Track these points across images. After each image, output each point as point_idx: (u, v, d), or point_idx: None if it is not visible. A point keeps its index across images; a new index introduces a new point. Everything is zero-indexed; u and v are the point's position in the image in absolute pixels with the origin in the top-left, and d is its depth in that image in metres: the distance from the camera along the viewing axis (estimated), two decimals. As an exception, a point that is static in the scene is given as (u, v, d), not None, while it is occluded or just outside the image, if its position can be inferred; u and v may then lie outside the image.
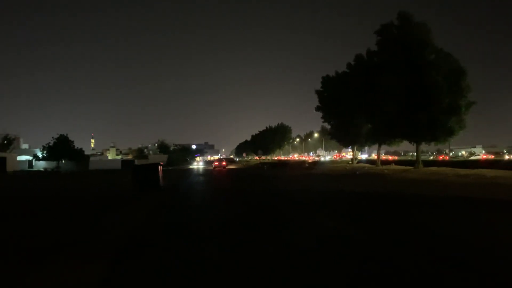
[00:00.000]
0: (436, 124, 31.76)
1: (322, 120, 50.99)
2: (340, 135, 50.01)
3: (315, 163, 62.36)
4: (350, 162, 53.30)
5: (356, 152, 59.37)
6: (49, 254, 6.81)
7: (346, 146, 53.09)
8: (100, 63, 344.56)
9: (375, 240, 7.70)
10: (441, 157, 68.55)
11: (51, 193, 21.33)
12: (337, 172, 37.15)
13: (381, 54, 35.50)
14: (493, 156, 61.13)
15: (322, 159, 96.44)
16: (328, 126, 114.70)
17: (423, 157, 45.38)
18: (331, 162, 66.00)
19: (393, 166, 40.46)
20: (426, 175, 28.08)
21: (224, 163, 67.57)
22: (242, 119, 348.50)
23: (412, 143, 36.11)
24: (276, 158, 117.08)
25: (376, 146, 49.40)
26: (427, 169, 32.80)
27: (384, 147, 72.22)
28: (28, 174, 41.75)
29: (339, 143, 56.10)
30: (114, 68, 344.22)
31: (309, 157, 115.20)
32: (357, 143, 49.00)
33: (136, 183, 20.59)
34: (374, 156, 65.53)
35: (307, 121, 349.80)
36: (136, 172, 21.30)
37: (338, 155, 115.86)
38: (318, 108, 50.03)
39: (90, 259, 6.38)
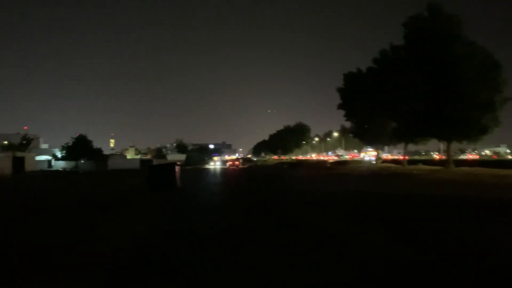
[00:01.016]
0: (468, 121, 29.88)
1: (345, 118, 49.36)
2: (363, 134, 48.24)
3: (336, 162, 60.64)
4: (374, 162, 51.54)
5: (380, 151, 57.56)
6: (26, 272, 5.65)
7: (369, 145, 51.21)
8: (120, 65, 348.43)
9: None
10: (470, 157, 65.63)
11: (57, 194, 20.05)
12: (361, 172, 35.54)
13: (408, 48, 33.66)
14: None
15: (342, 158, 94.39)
16: (348, 125, 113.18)
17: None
18: (353, 161, 64.07)
19: (421, 166, 38.56)
20: (459, 176, 26.32)
21: (237, 162, 72.49)
22: (260, 118, 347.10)
23: (441, 141, 34.32)
24: (294, 158, 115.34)
25: (393, 145, 47.93)
26: (459, 169, 30.97)
27: (401, 147, 70.22)
28: (45, 174, 41.41)
29: (361, 142, 54.25)
30: (134, 69, 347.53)
31: (329, 156, 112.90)
32: (381, 142, 47.17)
33: (151, 184, 19.25)
34: (385, 156, 63.48)
35: (326, 120, 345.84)
36: (151, 172, 19.95)
37: (354, 155, 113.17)
38: (340, 106, 48.36)
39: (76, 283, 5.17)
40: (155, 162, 63.82)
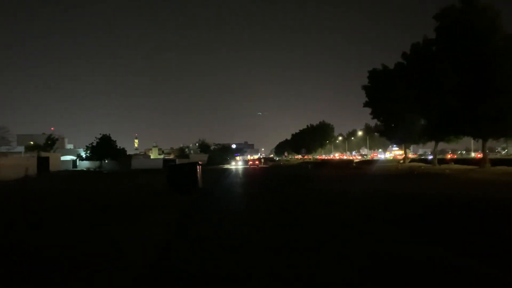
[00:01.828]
0: (506, 118, 28.15)
1: (371, 116, 47.81)
2: (390, 132, 46.59)
3: (362, 162, 59.01)
4: (401, 161, 49.78)
5: (407, 150, 55.65)
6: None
7: (397, 144, 49.44)
8: (146, 65, 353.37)
9: None
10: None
11: (71, 194, 19.29)
12: (390, 172, 34.04)
13: (440, 42, 32.05)
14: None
15: (365, 158, 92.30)
16: (372, 124, 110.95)
17: (469, 155, 41.47)
18: (379, 161, 62.28)
19: (453, 166, 36.80)
20: (496, 175, 24.77)
21: (257, 162, 75.61)
22: (282, 118, 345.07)
23: (476, 139, 32.57)
24: (317, 157, 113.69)
25: (422, 144, 45.97)
26: (496, 168, 29.23)
27: (428, 145, 67.72)
28: (69, 174, 41.57)
29: (388, 141, 52.49)
30: (159, 70, 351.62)
31: (354, 156, 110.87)
32: (409, 140, 45.45)
33: (171, 185, 18.07)
34: (400, 155, 61.15)
35: (349, 119, 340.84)
36: (171, 172, 18.67)
37: (375, 154, 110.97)
38: (366, 104, 46.90)
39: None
40: (178, 161, 63.64)
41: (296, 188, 21.70)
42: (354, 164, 52.47)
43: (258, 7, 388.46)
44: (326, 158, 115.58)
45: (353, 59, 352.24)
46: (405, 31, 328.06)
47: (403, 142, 46.61)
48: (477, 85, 28.70)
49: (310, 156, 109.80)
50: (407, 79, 36.28)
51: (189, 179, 17.94)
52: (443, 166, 37.08)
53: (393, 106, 41.05)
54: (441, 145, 52.22)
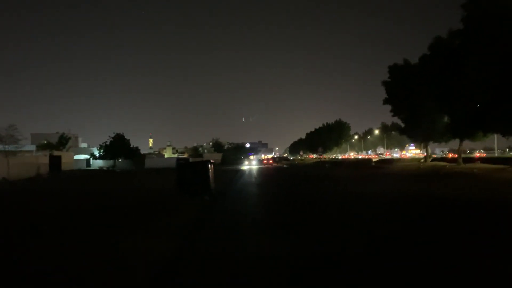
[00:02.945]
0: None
1: (391, 114, 45.88)
2: (412, 130, 44.56)
3: (381, 161, 57.08)
4: (422, 160, 47.77)
5: (426, 149, 53.48)
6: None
7: (417, 143, 47.38)
8: (160, 64, 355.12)
9: None
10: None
11: (73, 196, 17.76)
12: (412, 172, 32.26)
13: (467, 33, 30.09)
14: None
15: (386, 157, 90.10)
16: (389, 123, 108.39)
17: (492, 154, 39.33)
18: (398, 160, 60.27)
19: (480, 165, 34.80)
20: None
21: (271, 161, 77.85)
22: (296, 117, 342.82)
23: (507, 136, 30.56)
24: (332, 157, 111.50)
25: (444, 142, 43.84)
26: (530, 168, 27.28)
27: (442, 145, 64.97)
28: (81, 173, 40.81)
29: (409, 139, 50.44)
30: (173, 69, 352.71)
31: (371, 155, 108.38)
32: (431, 138, 43.40)
33: (179, 186, 16.17)
34: (418, 154, 59.06)
35: (364, 118, 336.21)
36: (180, 172, 16.58)
37: (387, 153, 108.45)
38: (386, 101, 45.04)
39: None
40: (191, 160, 62.68)
41: (324, 190, 19.62)
42: (373, 163, 50.59)
43: (274, 6, 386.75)
44: (340, 157, 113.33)
45: (366, 58, 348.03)
46: (419, 29, 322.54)
47: (424, 140, 44.43)
48: (507, 79, 26.74)
49: (324, 156, 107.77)
50: (431, 74, 34.40)
51: (200, 180, 16.01)
52: (468, 165, 35.10)
53: (416, 102, 39.17)
54: (452, 144, 50.01)
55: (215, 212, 12.43)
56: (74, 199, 16.39)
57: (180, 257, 6.60)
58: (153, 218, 10.54)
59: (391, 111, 45.43)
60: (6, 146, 30.43)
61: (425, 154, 50.00)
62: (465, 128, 33.83)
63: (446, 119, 38.68)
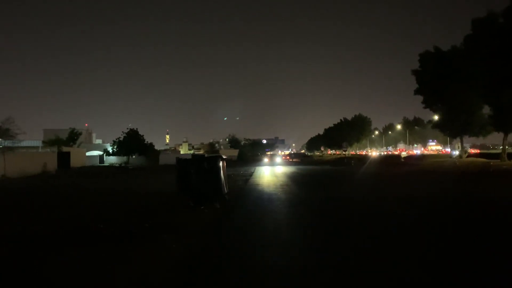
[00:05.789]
0: None
1: (423, 105, 42.23)
2: (447, 123, 40.76)
3: (410, 157, 53.38)
4: (457, 157, 43.98)
5: (453, 145, 49.65)
6: None
7: (453, 136, 43.56)
8: (177, 61, 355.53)
9: None
10: None
11: (66, 197, 15.61)
12: (453, 170, 28.84)
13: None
14: None
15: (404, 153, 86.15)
16: (411, 117, 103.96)
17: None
18: (426, 157, 56.58)
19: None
20: None
21: (288, 157, 78.81)
22: (313, 113, 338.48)
23: None
24: (352, 153, 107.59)
25: (482, 136, 40.12)
26: None
27: (468, 140, 60.26)
28: (88, 169, 38.47)
29: (443, 133, 46.60)
30: (191, 65, 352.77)
31: (400, 150, 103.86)
32: (469, 131, 39.59)
33: (182, 190, 12.29)
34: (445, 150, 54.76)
35: (382, 113, 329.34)
36: (181, 170, 12.42)
37: (401, 149, 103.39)
38: (417, 91, 41.46)
39: None
40: (207, 156, 60.13)
41: (366, 194, 15.74)
42: (403, 160, 46.96)
43: (295, 1, 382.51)
44: (362, 153, 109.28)
45: (383, 52, 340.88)
46: (440, 23, 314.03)
47: (460, 134, 40.66)
48: None
49: (343, 152, 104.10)
50: (472, 60, 30.83)
51: (209, 181, 11.95)
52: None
53: (452, 91, 35.56)
54: (475, 140, 46.06)
55: (227, 235, 8.20)
56: (57, 203, 13.62)
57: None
58: (139, 243, 7.33)
59: (422, 102, 41.89)
60: (1, 141, 27.90)
61: (451, 150, 46.16)
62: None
63: (486, 110, 35.09)
